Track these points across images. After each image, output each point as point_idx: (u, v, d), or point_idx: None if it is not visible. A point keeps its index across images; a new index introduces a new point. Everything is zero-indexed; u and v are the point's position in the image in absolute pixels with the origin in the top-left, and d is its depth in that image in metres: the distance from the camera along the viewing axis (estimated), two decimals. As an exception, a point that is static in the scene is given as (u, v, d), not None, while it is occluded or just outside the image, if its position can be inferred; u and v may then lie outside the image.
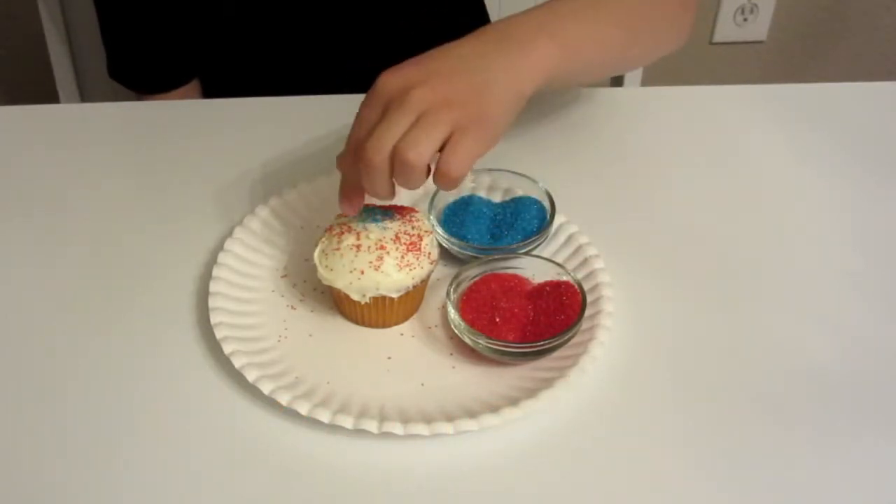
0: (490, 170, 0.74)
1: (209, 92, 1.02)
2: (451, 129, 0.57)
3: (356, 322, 0.67)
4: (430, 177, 0.59)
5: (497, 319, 0.64)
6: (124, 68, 1.00)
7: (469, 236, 0.70)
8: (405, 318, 0.67)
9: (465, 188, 0.74)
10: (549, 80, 0.64)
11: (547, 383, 0.60)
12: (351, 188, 0.62)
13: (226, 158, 0.82)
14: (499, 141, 0.60)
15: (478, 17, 1.10)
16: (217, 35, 0.99)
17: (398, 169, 0.57)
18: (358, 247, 0.63)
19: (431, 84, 0.58)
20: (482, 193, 0.74)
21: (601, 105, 0.89)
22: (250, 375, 0.60)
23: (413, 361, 0.64)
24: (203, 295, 0.67)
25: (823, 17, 1.84)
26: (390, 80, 0.59)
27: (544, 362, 0.63)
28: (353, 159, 0.59)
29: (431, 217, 0.70)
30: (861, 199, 0.79)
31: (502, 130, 0.60)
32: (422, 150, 0.56)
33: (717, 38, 1.85)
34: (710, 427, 0.60)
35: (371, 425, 0.58)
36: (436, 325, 0.67)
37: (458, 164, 0.57)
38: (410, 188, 0.59)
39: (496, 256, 0.68)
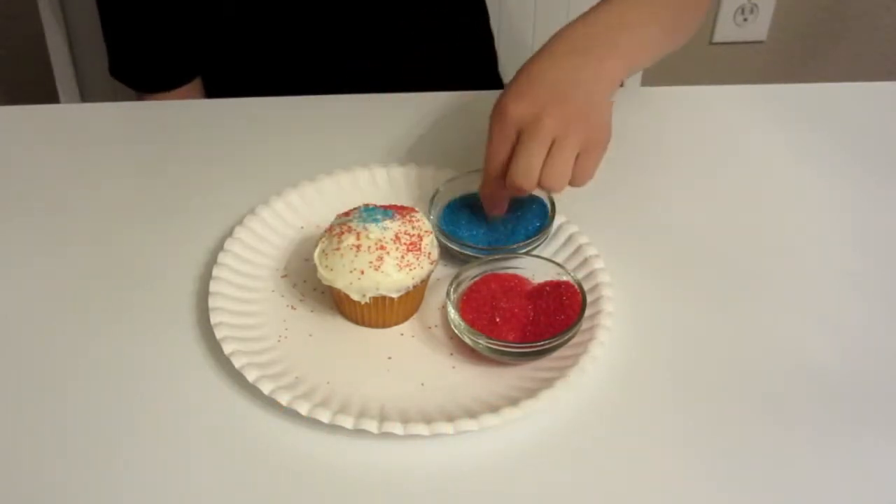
0: (490, 170, 0.74)
1: (211, 91, 1.02)
2: (580, 148, 0.65)
3: (356, 322, 0.67)
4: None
5: (497, 319, 0.64)
6: (126, 67, 1.00)
7: (469, 236, 0.70)
8: (405, 318, 0.67)
9: (465, 187, 0.74)
10: (623, 79, 0.72)
11: (547, 383, 0.60)
12: (498, 200, 0.70)
13: (226, 158, 0.82)
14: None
15: (477, 18, 1.10)
16: (218, 34, 0.99)
17: (544, 189, 0.66)
18: (358, 247, 0.63)
19: (555, 109, 0.65)
20: (482, 193, 0.74)
21: (601, 105, 0.89)
22: (250, 375, 0.60)
23: (413, 361, 0.64)
24: (203, 295, 0.67)
25: (823, 17, 1.83)
26: (517, 110, 0.66)
27: (544, 362, 0.63)
28: (497, 181, 0.67)
29: (431, 217, 0.70)
30: (861, 199, 0.79)
31: (611, 131, 0.68)
32: (564, 179, 0.66)
33: (717, 38, 1.84)
34: (710, 427, 0.60)
35: (371, 425, 0.58)
36: (436, 325, 0.67)
37: (588, 177, 0.67)
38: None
39: (496, 256, 0.68)
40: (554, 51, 0.70)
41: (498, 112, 0.67)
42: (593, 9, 0.73)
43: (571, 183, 0.67)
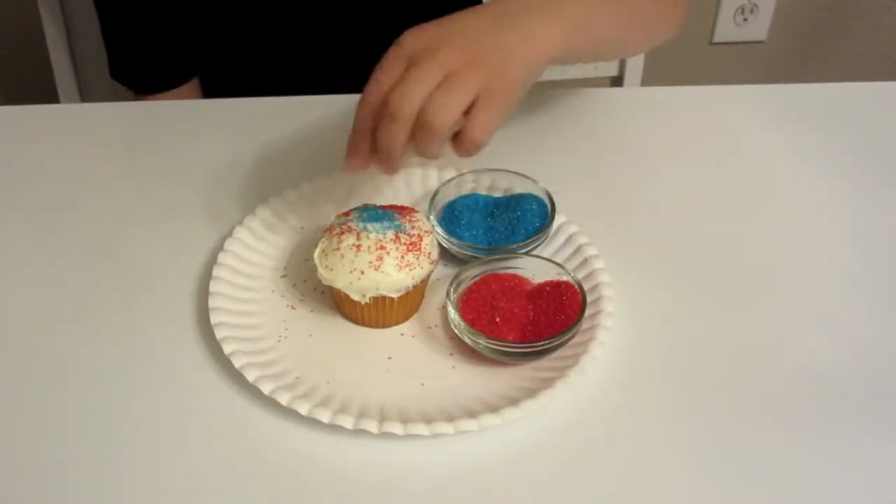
0: (490, 170, 0.74)
1: (209, 92, 1.02)
2: (477, 92, 0.57)
3: (356, 322, 0.67)
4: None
5: (497, 319, 0.64)
6: (125, 68, 1.00)
7: (469, 236, 0.70)
8: (405, 318, 0.67)
9: (465, 187, 0.74)
10: (558, 56, 0.64)
11: (547, 383, 0.60)
12: (361, 141, 0.60)
13: (226, 158, 0.82)
14: (515, 109, 0.60)
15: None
16: (218, 34, 0.99)
17: (420, 132, 0.57)
18: (358, 247, 0.63)
19: (458, 43, 0.58)
20: (482, 193, 0.74)
21: (601, 105, 0.89)
22: (250, 375, 0.60)
23: (413, 361, 0.64)
24: (203, 295, 0.67)
25: (823, 17, 1.84)
26: (416, 37, 0.59)
27: (544, 362, 0.63)
28: (369, 110, 0.59)
29: (431, 217, 0.70)
30: (861, 199, 0.79)
31: (520, 98, 0.60)
32: (448, 114, 0.56)
33: (717, 38, 1.85)
34: (710, 427, 0.60)
35: (371, 425, 0.58)
36: (436, 325, 0.67)
37: (482, 130, 0.58)
38: (426, 155, 0.59)
39: (496, 256, 0.68)
40: (486, 6, 0.64)
41: (395, 41, 0.60)
42: None
43: (463, 136, 0.58)
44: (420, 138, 0.58)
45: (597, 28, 0.70)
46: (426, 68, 0.57)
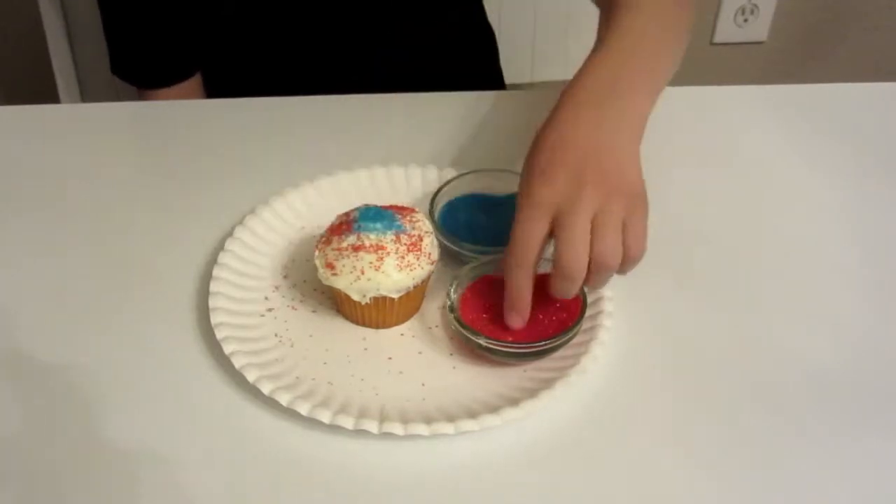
0: (490, 170, 0.74)
1: (212, 90, 1.02)
2: (624, 216, 0.60)
3: (356, 322, 0.67)
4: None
5: (497, 319, 0.64)
6: (127, 64, 1.00)
7: (469, 236, 0.70)
8: (405, 319, 0.67)
9: (465, 187, 0.74)
10: (651, 109, 0.68)
11: (547, 383, 0.60)
12: (522, 301, 0.62)
13: (226, 158, 0.82)
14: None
15: (477, 14, 1.09)
16: (218, 30, 0.99)
17: (597, 274, 0.60)
18: (358, 247, 0.63)
19: (589, 180, 0.59)
20: (482, 193, 0.74)
21: (601, 105, 0.89)
22: (250, 375, 0.60)
23: (413, 361, 0.64)
24: (203, 295, 0.67)
25: (823, 17, 1.83)
26: (547, 190, 0.60)
27: (544, 362, 0.63)
28: (526, 271, 0.60)
29: (432, 217, 0.70)
30: (861, 199, 0.79)
31: (645, 187, 0.63)
32: (617, 254, 0.60)
33: (718, 38, 1.84)
34: (710, 426, 0.60)
35: (371, 425, 0.58)
36: (436, 325, 0.67)
37: (640, 246, 0.61)
38: (597, 288, 0.64)
39: (496, 256, 0.67)
40: (567, 113, 0.64)
41: (525, 196, 0.60)
42: (592, 57, 0.68)
43: (626, 256, 0.61)
44: (596, 279, 0.61)
45: (664, 82, 0.72)
46: (579, 221, 0.58)
